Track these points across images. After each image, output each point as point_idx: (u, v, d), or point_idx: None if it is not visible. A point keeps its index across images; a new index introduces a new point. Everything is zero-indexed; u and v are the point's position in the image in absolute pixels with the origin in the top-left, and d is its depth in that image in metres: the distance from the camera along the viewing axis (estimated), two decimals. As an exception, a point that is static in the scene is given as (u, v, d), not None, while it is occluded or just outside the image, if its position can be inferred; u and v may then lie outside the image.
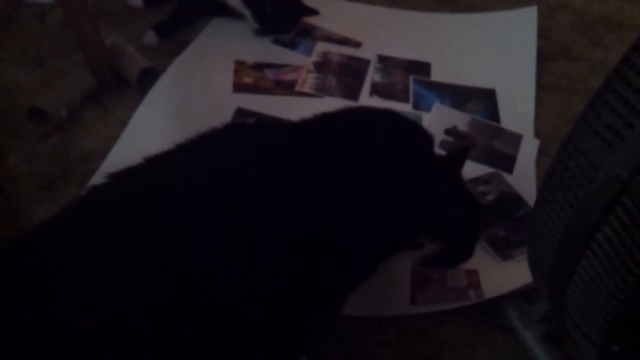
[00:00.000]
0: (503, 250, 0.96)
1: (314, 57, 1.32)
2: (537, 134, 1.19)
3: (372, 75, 1.27)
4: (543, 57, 1.38)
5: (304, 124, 0.77)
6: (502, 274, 0.91)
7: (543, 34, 1.44)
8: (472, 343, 0.88)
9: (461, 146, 0.93)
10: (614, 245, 0.51)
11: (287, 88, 1.23)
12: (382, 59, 1.32)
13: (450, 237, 0.81)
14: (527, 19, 1.43)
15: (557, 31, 1.48)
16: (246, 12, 1.34)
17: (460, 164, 0.84)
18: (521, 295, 0.88)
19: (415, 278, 0.92)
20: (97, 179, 0.93)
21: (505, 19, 1.44)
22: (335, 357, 0.85)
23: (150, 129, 1.11)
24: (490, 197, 1.05)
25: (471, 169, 1.05)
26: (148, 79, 1.22)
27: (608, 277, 0.52)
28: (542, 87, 1.31)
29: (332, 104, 1.06)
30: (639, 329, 0.56)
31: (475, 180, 1.07)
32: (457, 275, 0.92)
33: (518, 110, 1.22)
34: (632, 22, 1.55)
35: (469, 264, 0.92)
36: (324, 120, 0.77)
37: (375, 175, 0.72)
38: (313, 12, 1.39)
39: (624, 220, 0.49)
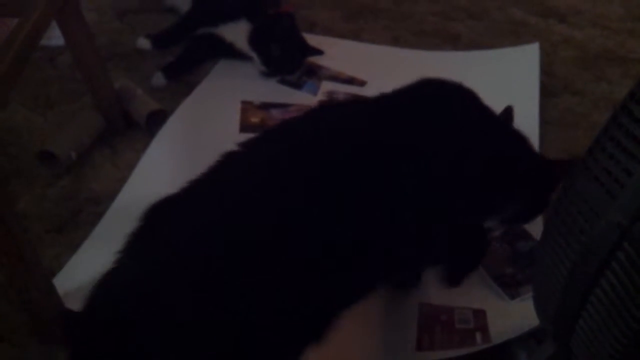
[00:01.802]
0: (511, 288, 0.96)
1: (320, 97, 1.36)
2: (542, 169, 1.21)
3: (377, 113, 1.30)
4: (546, 92, 1.41)
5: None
6: (510, 314, 0.91)
7: (545, 69, 1.46)
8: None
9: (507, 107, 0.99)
10: (617, 291, 0.51)
11: (293, 127, 1.27)
12: None
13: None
14: (529, 56, 1.47)
15: (559, 66, 1.51)
16: (253, 55, 1.39)
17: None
18: (529, 334, 0.88)
19: (422, 319, 0.92)
20: (106, 221, 0.98)
21: (507, 56, 1.48)
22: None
23: (158, 171, 1.14)
24: (497, 233, 1.05)
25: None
26: (156, 121, 1.27)
27: (612, 322, 0.53)
28: (546, 122, 1.33)
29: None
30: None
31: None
32: (465, 315, 0.92)
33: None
34: (634, 55, 1.57)
35: (477, 304, 0.92)
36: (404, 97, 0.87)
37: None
38: (318, 52, 1.43)
39: (625, 266, 0.50)
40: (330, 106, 0.94)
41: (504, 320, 0.91)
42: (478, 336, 0.89)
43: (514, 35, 1.63)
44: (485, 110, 0.89)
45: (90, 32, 1.17)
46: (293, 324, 0.72)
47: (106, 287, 0.71)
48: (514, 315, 0.90)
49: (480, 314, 0.93)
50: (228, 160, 0.79)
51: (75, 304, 0.88)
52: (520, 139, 0.90)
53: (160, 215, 0.75)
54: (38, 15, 0.95)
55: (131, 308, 0.68)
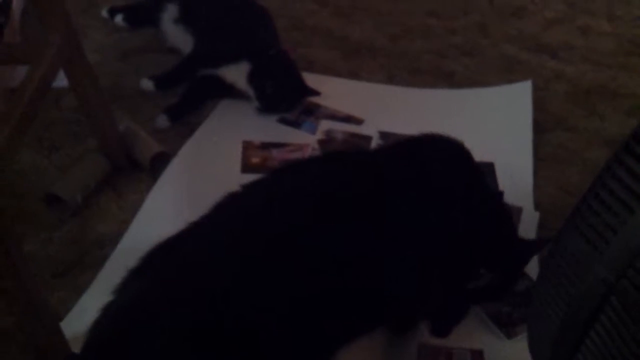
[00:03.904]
0: (507, 326, 0.98)
1: (319, 135, 1.41)
2: (537, 206, 1.24)
3: (374, 151, 1.34)
4: (539, 129, 1.45)
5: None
6: (507, 353, 0.93)
7: (538, 106, 1.51)
8: None
9: None
10: (605, 342, 0.54)
11: (293, 167, 1.30)
12: (384, 135, 1.39)
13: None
14: (521, 93, 1.51)
15: (551, 102, 1.55)
16: (251, 92, 1.45)
17: None
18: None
19: (422, 357, 0.94)
20: (111, 264, 1.01)
21: (500, 93, 1.53)
22: None
23: (162, 213, 1.18)
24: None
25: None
26: (160, 163, 1.31)
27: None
28: (539, 159, 1.37)
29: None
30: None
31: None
32: (463, 356, 0.94)
33: (517, 183, 1.27)
34: (626, 90, 1.62)
35: (475, 344, 0.94)
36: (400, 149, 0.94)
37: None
38: (314, 93, 1.48)
39: (613, 320, 0.52)
40: (330, 158, 0.98)
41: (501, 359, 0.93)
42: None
43: (507, 72, 1.69)
44: (476, 178, 0.93)
45: (94, 75, 1.20)
46: None
47: (100, 323, 0.76)
48: (511, 355, 0.93)
49: (477, 354, 0.95)
50: (224, 203, 0.84)
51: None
52: (502, 214, 0.94)
53: (155, 255, 0.80)
54: (48, 62, 0.99)
55: (121, 335, 0.74)
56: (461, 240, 0.83)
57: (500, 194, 1.02)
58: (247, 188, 0.86)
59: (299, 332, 0.76)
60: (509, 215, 0.96)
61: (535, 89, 1.58)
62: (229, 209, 0.83)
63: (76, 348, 0.95)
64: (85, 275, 1.09)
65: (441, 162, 0.90)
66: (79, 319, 0.99)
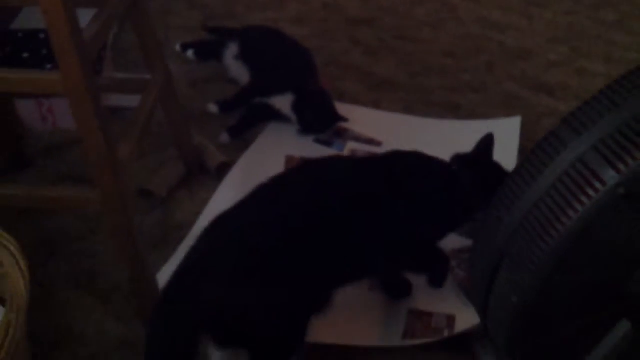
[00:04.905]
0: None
1: (346, 153, 1.66)
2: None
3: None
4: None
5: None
6: (472, 318, 1.22)
7: (529, 137, 1.68)
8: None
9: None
10: (504, 286, 0.87)
11: (323, 177, 1.63)
12: None
13: None
14: (512, 126, 1.72)
15: (541, 134, 1.79)
16: (293, 118, 1.71)
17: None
18: (484, 331, 1.21)
19: (409, 318, 1.26)
20: (187, 242, 1.36)
21: (493, 125, 1.69)
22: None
23: (224, 207, 1.45)
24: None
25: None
26: (223, 169, 1.57)
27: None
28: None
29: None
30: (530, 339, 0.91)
31: (462, 251, 1.40)
32: (440, 318, 1.25)
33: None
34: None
35: (450, 310, 1.26)
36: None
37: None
38: (343, 119, 1.73)
39: (507, 275, 0.86)
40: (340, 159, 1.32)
41: (467, 320, 1.23)
42: (446, 332, 1.23)
43: (506, 107, 1.91)
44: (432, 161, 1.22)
45: (178, 101, 1.48)
46: (309, 298, 1.05)
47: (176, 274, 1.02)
48: (475, 319, 1.23)
49: (451, 319, 1.26)
50: (265, 186, 1.13)
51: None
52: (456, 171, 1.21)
53: (216, 223, 1.07)
54: (155, 93, 1.34)
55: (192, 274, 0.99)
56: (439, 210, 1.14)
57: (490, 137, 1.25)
58: (281, 175, 1.18)
59: (314, 276, 1.03)
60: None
61: (528, 123, 1.79)
62: (270, 188, 1.13)
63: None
64: (167, 249, 1.36)
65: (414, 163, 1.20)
66: (162, 281, 1.26)
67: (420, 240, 1.17)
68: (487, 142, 1.24)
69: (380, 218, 1.10)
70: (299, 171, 1.21)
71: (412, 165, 1.20)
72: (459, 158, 1.23)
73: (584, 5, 2.55)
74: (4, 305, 1.03)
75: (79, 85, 0.98)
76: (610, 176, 0.81)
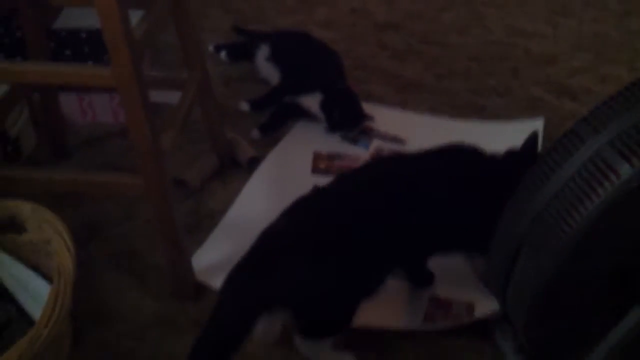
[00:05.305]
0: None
1: (371, 151, 1.71)
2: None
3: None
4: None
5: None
6: (490, 305, 1.26)
7: (551, 139, 1.70)
8: (468, 350, 1.26)
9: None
10: (524, 273, 0.92)
11: (350, 173, 1.69)
12: None
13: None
14: (535, 128, 1.71)
15: None
16: (321, 116, 1.75)
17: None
18: (502, 317, 1.25)
19: (430, 305, 1.32)
20: (219, 230, 1.41)
21: (517, 127, 1.78)
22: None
23: (255, 197, 1.55)
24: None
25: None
26: (254, 163, 1.63)
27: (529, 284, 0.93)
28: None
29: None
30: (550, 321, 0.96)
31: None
32: (459, 306, 1.31)
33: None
34: None
35: (467, 298, 1.31)
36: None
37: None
38: (370, 118, 1.77)
39: (526, 260, 0.91)
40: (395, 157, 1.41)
41: (485, 308, 1.28)
42: (465, 319, 1.28)
43: (529, 109, 1.94)
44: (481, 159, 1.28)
45: (215, 98, 1.55)
46: (370, 282, 1.13)
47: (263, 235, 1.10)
48: (492, 305, 1.26)
49: (470, 307, 1.31)
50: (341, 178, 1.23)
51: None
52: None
53: (297, 206, 1.15)
54: (194, 89, 1.42)
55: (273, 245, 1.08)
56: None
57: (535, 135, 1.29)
58: (359, 167, 1.29)
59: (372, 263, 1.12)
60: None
61: (551, 126, 1.82)
62: (343, 181, 1.22)
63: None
64: (201, 234, 1.44)
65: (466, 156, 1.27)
66: (197, 263, 1.37)
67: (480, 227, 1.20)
68: (533, 139, 1.31)
69: (444, 207, 1.17)
70: (371, 165, 1.33)
71: (473, 157, 1.27)
72: (510, 154, 1.30)
73: (609, 14, 2.57)
74: (52, 283, 1.10)
75: (129, 80, 1.06)
76: (625, 170, 0.86)
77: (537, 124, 1.81)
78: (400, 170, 1.23)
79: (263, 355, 1.24)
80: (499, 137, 1.73)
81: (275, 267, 1.05)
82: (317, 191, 1.21)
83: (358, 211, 1.13)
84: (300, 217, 1.13)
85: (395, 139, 1.78)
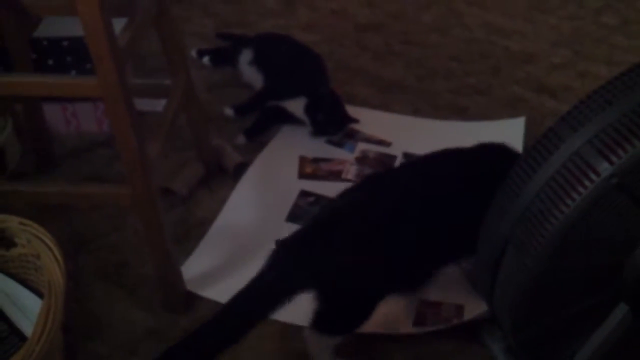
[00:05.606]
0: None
1: (356, 154, 1.71)
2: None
3: (398, 167, 1.69)
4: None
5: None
6: (479, 306, 1.28)
7: (533, 137, 1.62)
8: (457, 353, 1.28)
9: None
10: (508, 272, 0.94)
11: (336, 176, 1.68)
12: (407, 155, 1.73)
13: None
14: (516, 127, 1.79)
15: None
16: (306, 120, 1.75)
17: None
18: (491, 318, 1.28)
19: (420, 307, 1.33)
20: (207, 238, 1.41)
21: (499, 126, 1.81)
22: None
23: (241, 205, 1.56)
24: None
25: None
26: (240, 169, 1.63)
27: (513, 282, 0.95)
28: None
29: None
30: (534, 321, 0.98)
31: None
32: (449, 308, 1.32)
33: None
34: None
35: (459, 300, 1.32)
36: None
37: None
38: (354, 120, 1.78)
39: (510, 259, 0.93)
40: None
41: (474, 310, 1.30)
42: (455, 320, 1.30)
43: (511, 108, 1.95)
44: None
45: (200, 104, 1.55)
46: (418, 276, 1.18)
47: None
48: (482, 308, 1.30)
49: (460, 308, 1.33)
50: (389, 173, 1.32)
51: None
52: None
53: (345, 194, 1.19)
54: (179, 96, 1.41)
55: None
56: None
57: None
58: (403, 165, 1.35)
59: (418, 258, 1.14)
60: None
61: (532, 124, 1.84)
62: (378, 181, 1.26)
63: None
64: (190, 243, 1.44)
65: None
66: (186, 274, 1.37)
67: None
68: None
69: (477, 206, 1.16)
70: (412, 164, 1.40)
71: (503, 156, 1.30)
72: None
73: (587, 10, 2.60)
74: (41, 297, 1.10)
75: (114, 88, 1.06)
76: (604, 168, 0.88)
77: (518, 123, 1.84)
78: (447, 171, 1.25)
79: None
80: (482, 136, 1.76)
81: (319, 249, 1.09)
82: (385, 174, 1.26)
83: (410, 209, 1.15)
84: (347, 205, 1.16)
85: (381, 142, 1.79)
